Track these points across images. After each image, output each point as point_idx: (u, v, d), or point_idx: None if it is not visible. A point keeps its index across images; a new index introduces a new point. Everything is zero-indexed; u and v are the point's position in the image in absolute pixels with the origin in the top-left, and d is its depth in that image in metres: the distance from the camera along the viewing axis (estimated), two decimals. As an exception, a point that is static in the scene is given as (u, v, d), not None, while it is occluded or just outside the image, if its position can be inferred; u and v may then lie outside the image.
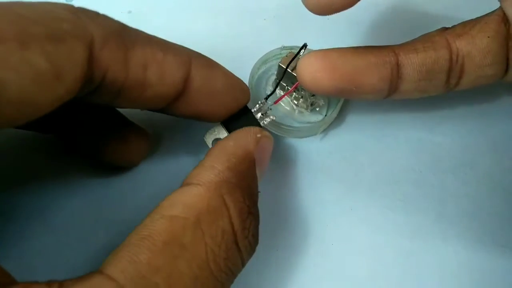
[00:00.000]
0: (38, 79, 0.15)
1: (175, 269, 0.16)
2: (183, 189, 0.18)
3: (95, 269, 0.23)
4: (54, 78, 0.16)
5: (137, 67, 0.19)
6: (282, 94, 0.29)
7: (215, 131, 0.25)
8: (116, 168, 0.27)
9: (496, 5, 0.25)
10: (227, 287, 0.18)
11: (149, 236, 0.16)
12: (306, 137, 0.29)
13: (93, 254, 0.24)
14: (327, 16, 0.35)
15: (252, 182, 0.21)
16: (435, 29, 0.25)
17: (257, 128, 0.22)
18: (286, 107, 0.29)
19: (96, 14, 0.19)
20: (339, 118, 0.30)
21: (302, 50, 0.27)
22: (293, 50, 0.28)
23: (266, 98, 0.26)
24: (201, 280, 0.17)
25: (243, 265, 0.19)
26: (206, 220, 0.17)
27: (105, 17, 0.19)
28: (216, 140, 0.25)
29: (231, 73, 0.23)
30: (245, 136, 0.21)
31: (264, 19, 0.35)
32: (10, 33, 0.15)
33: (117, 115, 0.26)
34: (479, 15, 0.25)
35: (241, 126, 0.24)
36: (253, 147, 0.21)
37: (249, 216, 0.19)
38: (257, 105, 0.25)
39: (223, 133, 0.24)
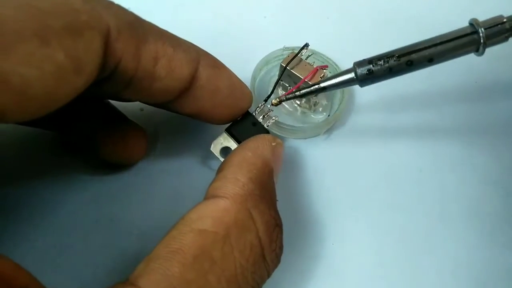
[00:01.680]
0: (58, 74, 0.15)
1: (205, 283, 0.16)
2: (209, 202, 0.18)
3: (96, 270, 0.23)
4: (74, 71, 0.16)
5: (148, 60, 0.19)
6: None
7: (221, 140, 0.24)
8: (115, 166, 0.26)
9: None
10: None
11: (180, 249, 0.16)
12: (309, 137, 0.29)
13: (93, 254, 0.24)
14: (327, 16, 0.36)
15: (273, 192, 0.21)
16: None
17: (270, 136, 0.22)
18: (289, 108, 0.29)
19: (110, 3, 0.19)
20: (341, 119, 0.30)
21: (304, 49, 0.27)
22: (295, 51, 0.28)
23: (266, 100, 0.26)
24: None
25: (269, 276, 0.19)
26: (234, 234, 0.17)
27: (119, 7, 0.19)
28: (224, 149, 0.24)
29: (236, 76, 0.23)
30: (262, 145, 0.21)
31: (264, 17, 0.35)
32: (31, 30, 0.15)
33: (117, 113, 0.26)
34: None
35: (246, 131, 0.24)
36: (270, 156, 0.21)
37: (276, 229, 0.19)
38: (258, 108, 0.25)
39: (229, 141, 0.24)
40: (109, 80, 0.19)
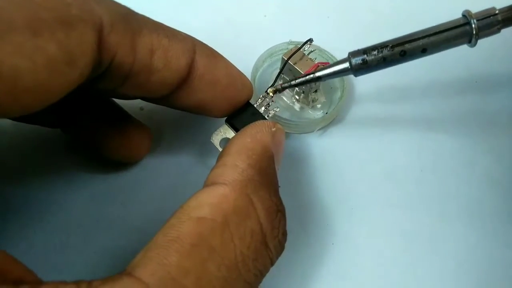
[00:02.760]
0: (51, 66, 0.15)
1: (204, 272, 0.16)
2: (208, 189, 0.18)
3: (96, 269, 0.23)
4: (66, 64, 0.16)
5: (144, 52, 0.19)
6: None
7: (221, 131, 0.24)
8: (117, 164, 0.26)
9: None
10: None
11: (178, 238, 0.16)
12: (304, 133, 0.29)
13: (93, 253, 0.24)
14: (327, 15, 0.35)
15: (274, 177, 0.20)
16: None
17: (270, 122, 0.22)
18: (288, 102, 0.29)
19: None
20: (341, 116, 0.30)
21: (308, 44, 0.27)
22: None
23: (267, 91, 0.26)
24: (230, 282, 0.16)
25: (272, 264, 0.19)
26: (234, 221, 0.17)
27: (111, 1, 0.19)
28: (224, 140, 0.24)
29: (234, 66, 0.23)
30: (261, 131, 0.21)
31: (264, 16, 0.35)
32: (22, 21, 0.15)
33: (120, 110, 0.26)
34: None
35: (246, 121, 0.23)
36: (270, 142, 0.20)
37: (278, 214, 0.19)
38: (259, 99, 0.25)
39: (229, 133, 0.24)
40: (106, 76, 0.19)
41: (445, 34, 0.23)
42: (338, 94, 0.30)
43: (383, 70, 0.32)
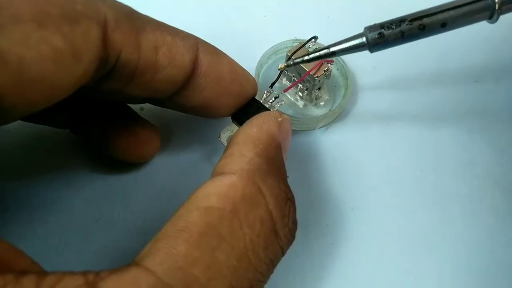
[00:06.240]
0: (57, 59, 0.16)
1: (213, 261, 0.16)
2: (216, 179, 0.18)
3: (97, 269, 0.23)
4: (72, 58, 0.16)
5: (149, 49, 0.19)
6: (289, 84, 0.29)
7: (228, 129, 0.24)
8: (121, 164, 0.26)
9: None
10: (266, 277, 0.18)
11: (186, 227, 0.16)
12: (305, 129, 0.29)
13: (93, 254, 0.24)
14: (327, 14, 0.35)
15: (282, 166, 0.20)
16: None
17: (276, 112, 0.22)
18: (291, 98, 0.29)
19: None
20: (342, 115, 0.30)
21: (312, 42, 0.27)
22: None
23: (272, 86, 0.26)
24: (240, 272, 0.16)
25: (283, 254, 0.19)
26: (242, 209, 0.17)
27: (114, 0, 0.19)
28: (231, 137, 0.24)
29: (237, 63, 0.23)
30: (267, 120, 0.21)
31: (265, 16, 0.35)
32: (29, 14, 0.15)
33: (129, 110, 0.26)
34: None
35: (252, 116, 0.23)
36: (276, 131, 0.20)
37: (288, 202, 0.19)
38: (264, 95, 0.25)
39: (236, 129, 0.24)
40: (113, 75, 0.19)
41: (466, 8, 0.22)
42: (342, 92, 0.30)
43: (385, 67, 0.32)
